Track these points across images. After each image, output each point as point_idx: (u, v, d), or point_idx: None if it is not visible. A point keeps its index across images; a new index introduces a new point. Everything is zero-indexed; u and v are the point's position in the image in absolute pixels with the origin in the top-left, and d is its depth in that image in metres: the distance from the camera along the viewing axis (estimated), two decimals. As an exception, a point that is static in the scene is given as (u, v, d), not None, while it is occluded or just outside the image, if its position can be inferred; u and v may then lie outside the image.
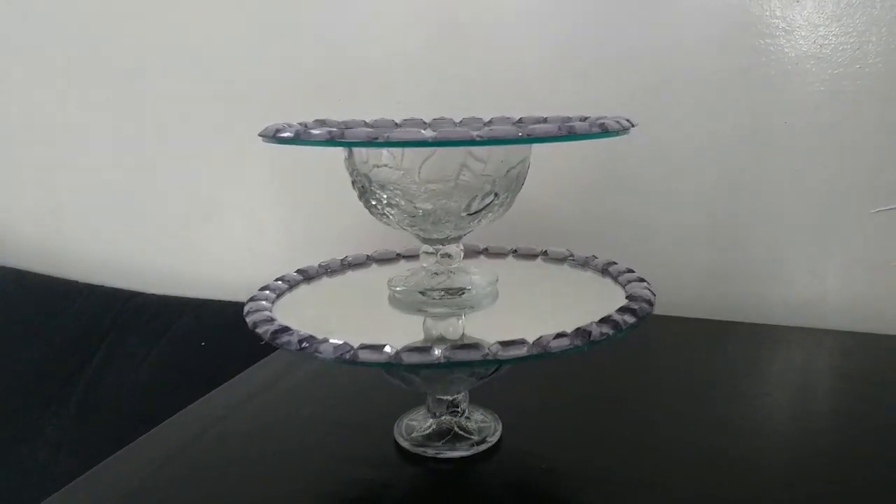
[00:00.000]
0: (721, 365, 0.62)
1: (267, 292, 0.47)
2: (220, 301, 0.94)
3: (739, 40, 0.70)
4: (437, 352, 0.35)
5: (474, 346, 0.35)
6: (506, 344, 0.35)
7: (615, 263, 0.50)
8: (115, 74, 0.99)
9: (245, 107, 0.92)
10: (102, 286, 1.02)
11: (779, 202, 0.72)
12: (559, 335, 0.36)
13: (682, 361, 0.63)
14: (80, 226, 1.09)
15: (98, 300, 0.98)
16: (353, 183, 0.44)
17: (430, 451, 0.46)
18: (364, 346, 0.35)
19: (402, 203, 0.42)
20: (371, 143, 0.34)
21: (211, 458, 0.48)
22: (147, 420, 0.81)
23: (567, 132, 0.36)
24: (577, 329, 0.37)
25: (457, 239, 0.46)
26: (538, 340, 0.35)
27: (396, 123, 0.54)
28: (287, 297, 0.48)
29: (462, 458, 0.46)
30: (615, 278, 0.48)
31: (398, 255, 0.57)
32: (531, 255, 0.56)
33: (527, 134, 0.35)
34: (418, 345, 0.35)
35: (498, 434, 0.48)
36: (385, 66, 0.83)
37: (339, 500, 0.44)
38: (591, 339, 0.36)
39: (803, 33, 0.68)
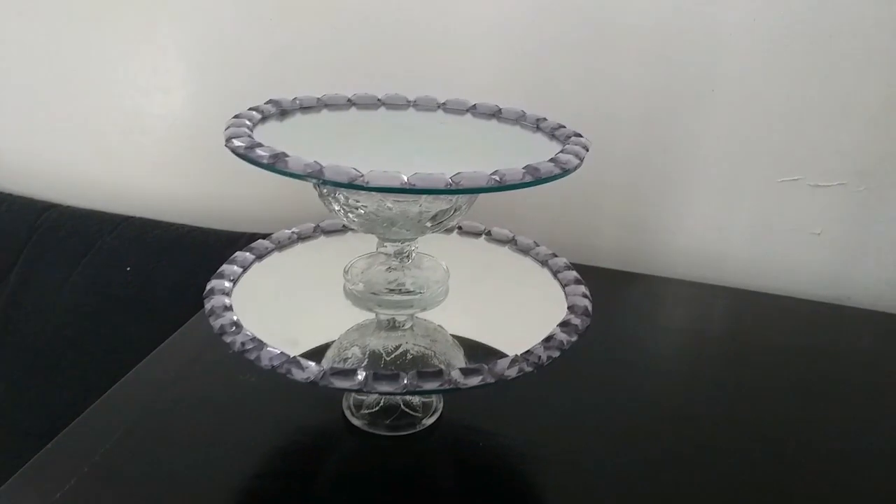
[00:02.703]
0: (628, 319, 0.70)
1: (224, 282, 0.48)
2: (142, 218, 0.92)
3: (683, 3, 0.71)
4: (405, 381, 0.38)
5: (437, 373, 0.39)
6: (466, 371, 0.39)
7: (555, 256, 0.54)
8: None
9: (171, 13, 0.86)
10: (12, 195, 0.97)
11: (697, 163, 0.77)
12: (512, 361, 0.40)
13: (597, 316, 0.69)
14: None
15: (9, 211, 0.93)
16: (315, 185, 0.45)
17: (377, 430, 0.50)
18: (335, 372, 0.38)
19: (367, 212, 0.44)
20: (351, 185, 0.35)
21: (162, 433, 0.50)
22: (75, 345, 0.82)
23: (533, 177, 0.38)
24: (526, 353, 0.41)
25: (413, 239, 0.48)
26: (493, 368, 0.39)
27: (350, 100, 0.54)
28: (243, 280, 0.49)
29: (406, 435, 0.51)
30: (554, 274, 0.52)
31: (345, 226, 0.58)
32: (475, 233, 0.59)
33: (498, 182, 0.37)
34: (386, 372, 0.38)
35: (439, 412, 0.53)
36: None
37: (290, 476, 0.48)
38: (540, 363, 0.41)
39: (742, 3, 0.70)
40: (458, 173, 0.36)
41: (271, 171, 0.37)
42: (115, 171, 0.97)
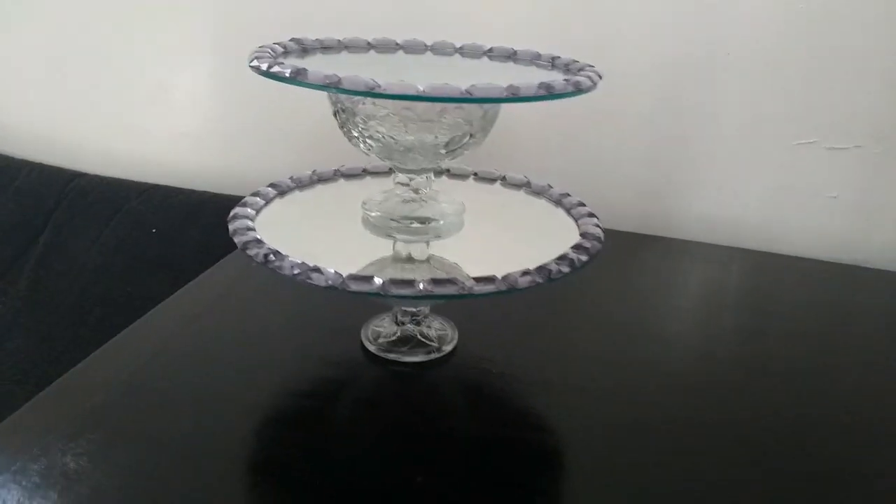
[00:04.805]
0: (643, 276, 0.71)
1: (247, 209, 0.49)
2: (166, 186, 0.95)
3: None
4: (420, 285, 0.39)
5: (451, 280, 0.40)
6: (479, 280, 0.40)
7: (568, 195, 0.55)
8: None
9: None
10: (42, 164, 1.00)
11: (712, 126, 0.78)
12: (525, 272, 0.41)
13: (612, 273, 0.70)
14: (15, 97, 1.04)
15: (39, 179, 0.97)
16: (336, 113, 0.47)
17: (392, 356, 0.52)
18: (353, 277, 0.40)
19: (384, 137, 0.45)
20: (368, 93, 0.37)
21: (192, 356, 0.53)
22: (103, 301, 0.85)
23: (547, 92, 0.39)
24: (540, 267, 0.42)
25: (430, 169, 0.49)
26: (507, 277, 0.41)
27: (369, 43, 0.56)
28: (265, 213, 0.51)
29: (422, 362, 0.52)
30: (568, 210, 0.54)
31: (364, 170, 0.60)
32: (490, 179, 0.60)
33: (512, 94, 0.38)
34: (402, 278, 0.40)
35: (454, 342, 0.54)
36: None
37: (310, 399, 0.49)
38: (551, 276, 0.42)
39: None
40: (473, 84, 0.38)
41: (292, 83, 0.39)
42: (140, 141, 1.00)
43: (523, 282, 0.41)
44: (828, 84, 0.73)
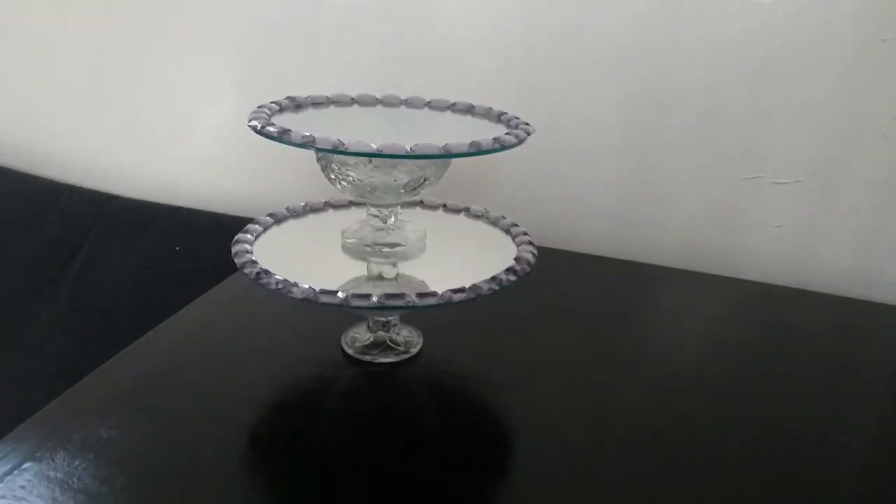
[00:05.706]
0: (610, 295, 0.81)
1: (248, 235, 0.61)
2: (190, 209, 1.07)
3: (656, 28, 0.83)
4: (374, 298, 0.50)
5: (400, 295, 0.51)
6: (421, 295, 0.51)
7: (517, 225, 0.66)
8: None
9: (222, 33, 1.02)
10: (82, 187, 1.13)
11: (670, 162, 0.88)
12: (458, 290, 0.52)
13: (567, 293, 0.80)
14: (60, 128, 1.18)
15: (80, 201, 1.10)
16: (318, 159, 0.58)
17: (367, 358, 0.63)
18: (323, 291, 0.51)
19: (354, 179, 0.57)
20: (335, 150, 0.48)
21: (203, 354, 0.65)
22: (133, 312, 0.97)
23: (475, 149, 0.50)
24: (473, 285, 0.53)
25: (396, 204, 0.61)
26: (443, 294, 0.52)
27: (353, 98, 0.67)
28: (264, 238, 0.63)
29: (391, 363, 0.63)
30: (514, 238, 0.64)
31: (350, 202, 0.72)
32: (456, 210, 0.71)
33: (446, 151, 0.49)
34: (361, 292, 0.51)
35: (419, 346, 0.65)
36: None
37: (297, 391, 0.61)
38: (481, 293, 0.53)
39: (707, 31, 0.81)
40: (416, 144, 0.49)
41: (279, 141, 0.51)
42: (168, 168, 1.13)
43: (457, 297, 0.52)
44: (770, 127, 0.83)
